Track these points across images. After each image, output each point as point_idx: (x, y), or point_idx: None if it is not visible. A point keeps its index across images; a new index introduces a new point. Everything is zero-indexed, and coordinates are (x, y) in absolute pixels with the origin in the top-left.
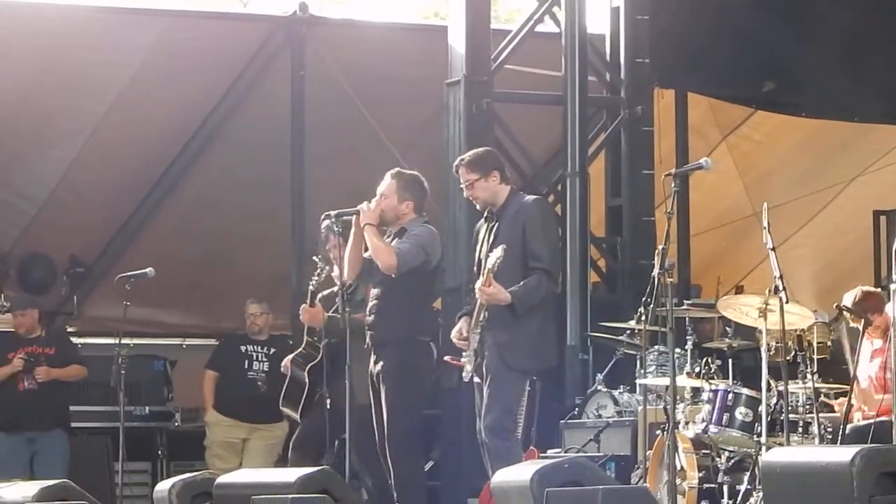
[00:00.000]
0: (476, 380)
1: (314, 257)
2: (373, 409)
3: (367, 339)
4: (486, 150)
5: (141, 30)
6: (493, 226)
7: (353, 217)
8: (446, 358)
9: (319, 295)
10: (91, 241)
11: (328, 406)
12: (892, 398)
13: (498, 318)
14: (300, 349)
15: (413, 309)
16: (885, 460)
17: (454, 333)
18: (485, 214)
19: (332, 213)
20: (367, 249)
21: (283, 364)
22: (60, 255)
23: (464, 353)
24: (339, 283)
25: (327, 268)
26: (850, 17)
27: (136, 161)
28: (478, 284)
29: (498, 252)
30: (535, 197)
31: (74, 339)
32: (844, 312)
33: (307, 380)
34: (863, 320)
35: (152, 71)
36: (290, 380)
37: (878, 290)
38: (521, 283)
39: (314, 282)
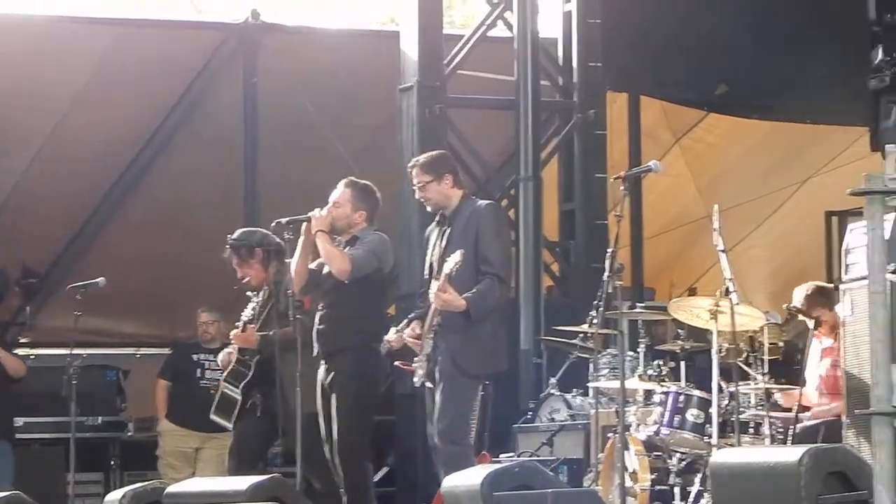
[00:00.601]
0: (428, 385)
1: (248, 293)
2: (321, 417)
3: (317, 348)
4: (441, 152)
5: (94, 38)
6: (445, 230)
7: (304, 225)
8: (397, 363)
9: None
10: (44, 251)
11: (258, 413)
12: (843, 402)
13: (451, 322)
14: (231, 366)
15: (366, 317)
16: (833, 460)
17: (407, 332)
18: (436, 218)
19: (284, 219)
20: (313, 260)
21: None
22: (13, 265)
23: (416, 358)
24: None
25: (259, 300)
26: (802, 20)
27: (88, 170)
28: (433, 289)
29: (457, 257)
30: (487, 202)
31: (28, 351)
32: (795, 313)
33: (239, 396)
34: (813, 320)
35: (105, 79)
36: (221, 395)
37: (830, 285)
38: (475, 288)
39: (246, 315)
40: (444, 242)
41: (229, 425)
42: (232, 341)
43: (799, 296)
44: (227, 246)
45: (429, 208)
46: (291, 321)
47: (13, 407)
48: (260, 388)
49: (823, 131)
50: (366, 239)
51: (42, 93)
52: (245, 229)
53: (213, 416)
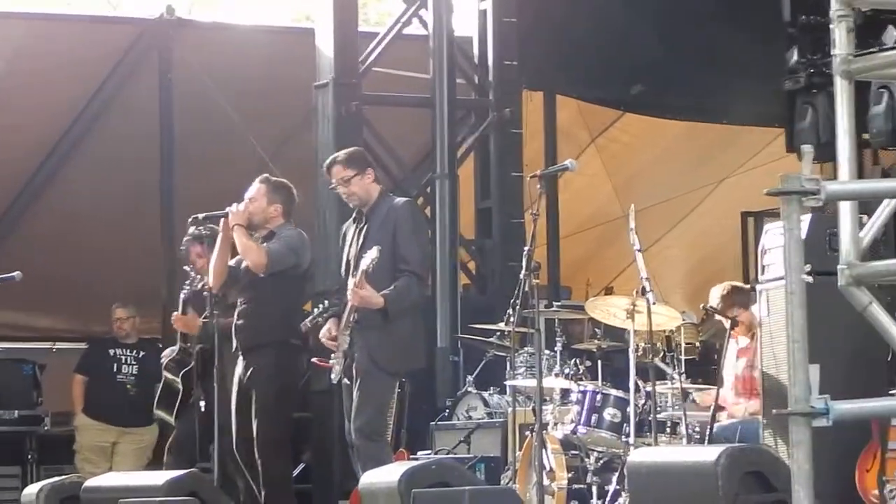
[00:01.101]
0: (345, 381)
1: (185, 266)
2: (233, 412)
3: (235, 343)
4: (358, 149)
5: (8, 32)
6: (363, 227)
7: (221, 223)
8: (314, 359)
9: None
10: None
11: (202, 409)
12: (759, 402)
13: (368, 319)
14: (173, 355)
15: (284, 312)
16: (750, 459)
17: (323, 333)
18: (353, 215)
19: (200, 215)
20: (233, 257)
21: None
22: None
23: (333, 355)
24: (208, 289)
25: (198, 276)
26: (718, 21)
27: (3, 165)
28: (350, 285)
29: (373, 253)
30: (405, 199)
31: None
32: (712, 313)
33: (180, 385)
34: (729, 320)
35: (18, 75)
36: (164, 385)
37: (747, 286)
38: (392, 286)
39: (186, 291)
40: (361, 239)
41: (171, 419)
42: (174, 324)
43: (715, 295)
44: (191, 237)
45: (352, 204)
46: (209, 315)
47: None
48: (202, 382)
49: (739, 132)
50: (283, 234)
51: None
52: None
53: (156, 412)
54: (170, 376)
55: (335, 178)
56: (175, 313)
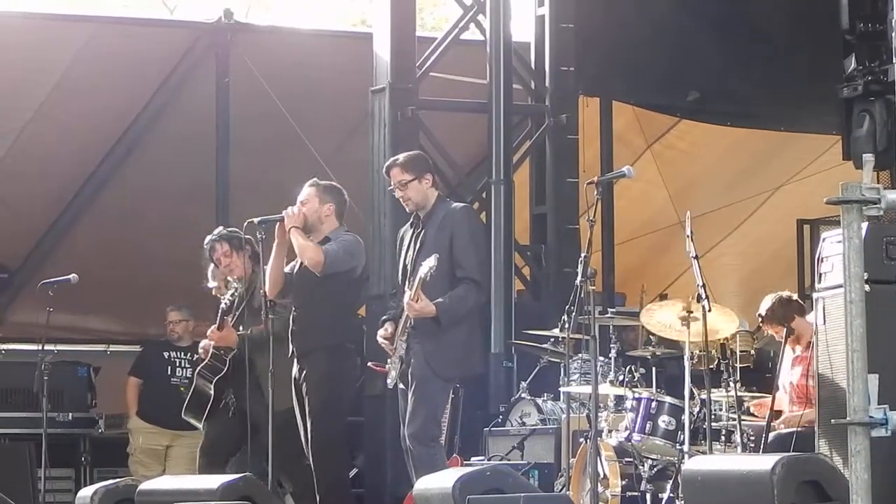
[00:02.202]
0: (401, 386)
1: (228, 278)
2: (298, 416)
3: (291, 348)
4: (418, 152)
5: (65, 36)
6: (420, 232)
7: (278, 225)
8: (370, 364)
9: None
10: (15, 247)
11: (231, 413)
12: (815, 409)
13: (424, 325)
14: (206, 361)
15: (340, 316)
16: (807, 469)
17: (380, 333)
18: (410, 220)
19: (256, 219)
20: (288, 263)
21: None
22: None
23: (389, 360)
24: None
25: (239, 286)
26: (775, 28)
27: (60, 167)
28: (406, 298)
29: (431, 261)
30: (462, 205)
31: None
32: (766, 322)
33: (212, 391)
34: (784, 328)
35: (77, 77)
36: (195, 390)
37: (796, 297)
38: (448, 294)
39: (225, 303)
40: (417, 245)
41: (199, 424)
42: (209, 339)
43: (768, 304)
44: (218, 236)
45: (408, 208)
46: (264, 318)
47: None
48: (233, 386)
49: (795, 139)
50: (339, 238)
51: (14, 89)
52: (232, 228)
53: (184, 416)
54: (202, 382)
55: (393, 181)
56: (212, 328)
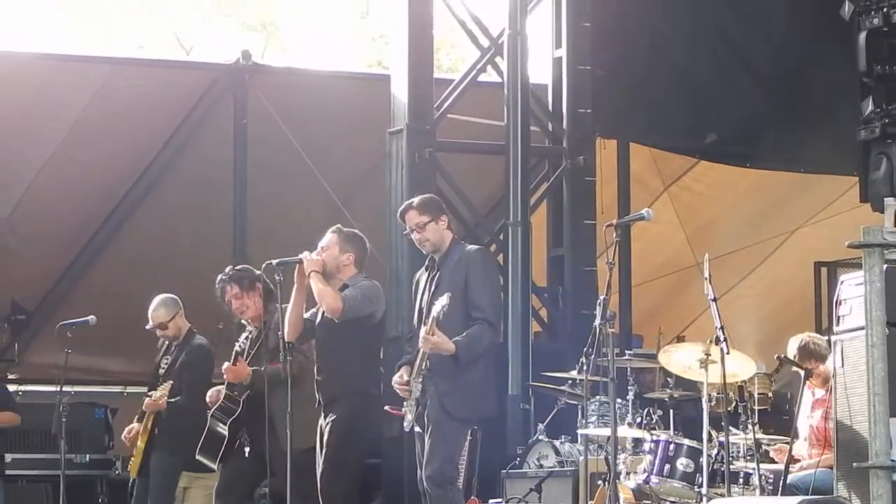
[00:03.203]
0: (417, 429)
1: (242, 321)
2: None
3: (318, 397)
4: (432, 195)
5: (84, 76)
6: (435, 274)
7: (296, 269)
8: (386, 407)
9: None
10: (32, 288)
11: (246, 454)
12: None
13: (440, 367)
14: (219, 402)
15: (363, 363)
16: None
17: (395, 378)
18: (426, 263)
19: (274, 261)
20: (307, 310)
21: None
22: (1, 301)
23: (405, 403)
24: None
25: (248, 335)
26: (792, 71)
27: (78, 208)
28: (422, 333)
29: (444, 300)
30: (476, 246)
31: (15, 387)
32: (787, 363)
33: (226, 432)
34: (804, 370)
35: (94, 118)
36: (208, 431)
37: (824, 337)
38: (465, 333)
39: (240, 344)
40: (433, 287)
41: (214, 465)
42: (224, 375)
43: (792, 346)
44: (227, 276)
45: (426, 251)
46: (282, 360)
47: (3, 443)
48: (248, 426)
49: (813, 181)
50: (358, 285)
51: (33, 130)
52: (244, 266)
53: (197, 457)
54: (215, 423)
55: (409, 224)
56: (225, 364)
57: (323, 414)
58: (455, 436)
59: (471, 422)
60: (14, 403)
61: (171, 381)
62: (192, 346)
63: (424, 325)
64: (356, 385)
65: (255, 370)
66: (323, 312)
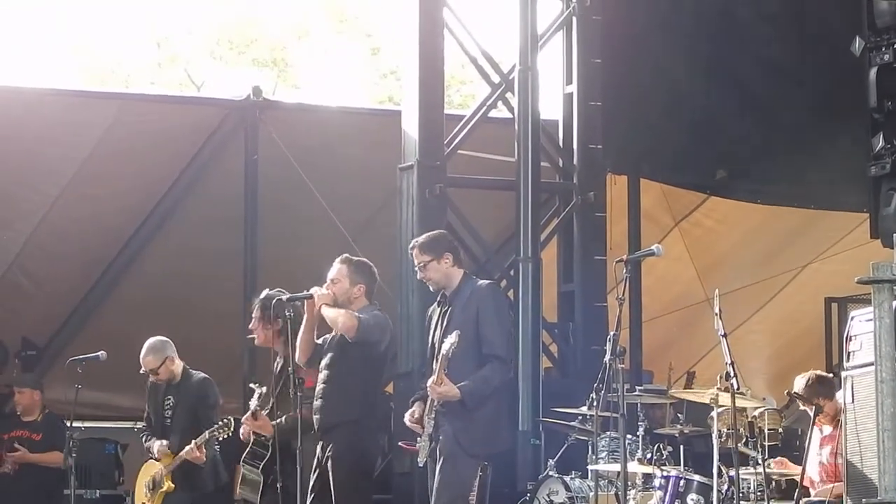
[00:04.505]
0: (430, 464)
1: (251, 384)
2: (310, 492)
3: (315, 424)
4: (440, 232)
5: (96, 112)
6: (446, 310)
7: (307, 303)
8: (401, 443)
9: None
10: (43, 323)
11: (279, 489)
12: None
13: (452, 403)
14: (249, 448)
15: (363, 393)
16: None
17: (407, 416)
18: (438, 299)
19: (284, 297)
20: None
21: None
22: (12, 337)
23: (419, 438)
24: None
25: (263, 390)
26: (802, 106)
27: (88, 243)
28: (430, 382)
29: (453, 338)
30: (487, 282)
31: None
32: (796, 399)
33: (260, 476)
34: (813, 407)
35: (106, 154)
36: (243, 478)
37: (831, 375)
38: (472, 376)
39: (255, 403)
40: (444, 323)
41: (256, 500)
42: (243, 429)
43: (800, 384)
44: (261, 299)
45: (431, 288)
46: (293, 398)
47: (52, 481)
48: (281, 465)
49: (823, 217)
50: (370, 313)
51: (44, 166)
52: (278, 290)
53: (239, 491)
54: (248, 468)
55: (415, 262)
56: (246, 415)
57: (320, 441)
58: (466, 471)
59: (481, 457)
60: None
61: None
62: (196, 382)
63: (436, 361)
64: (354, 415)
65: (275, 424)
66: (333, 340)
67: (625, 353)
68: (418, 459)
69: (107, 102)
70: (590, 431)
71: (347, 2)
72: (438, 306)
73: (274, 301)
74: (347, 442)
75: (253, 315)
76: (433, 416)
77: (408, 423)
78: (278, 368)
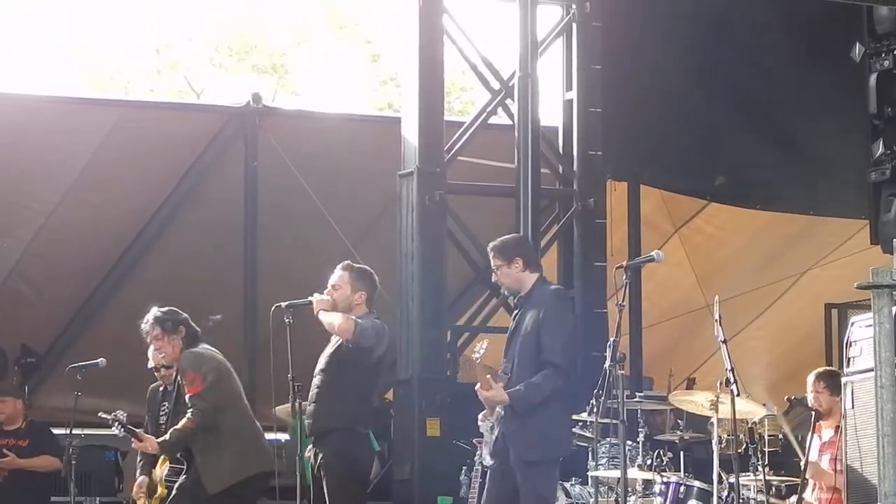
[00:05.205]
0: (489, 462)
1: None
2: (311, 497)
3: (307, 429)
4: (513, 236)
5: (95, 119)
6: (518, 314)
7: (308, 307)
8: (476, 440)
9: None
10: (43, 330)
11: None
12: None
13: (509, 408)
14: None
15: (354, 400)
16: None
17: (480, 416)
18: (515, 302)
19: (283, 303)
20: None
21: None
22: (11, 344)
23: (484, 439)
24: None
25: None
26: (802, 112)
27: (88, 250)
28: (477, 387)
29: (483, 345)
30: (554, 287)
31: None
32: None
33: None
34: (814, 413)
35: (105, 161)
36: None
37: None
38: (526, 381)
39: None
40: (514, 327)
41: None
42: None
43: (811, 378)
44: (153, 317)
45: (504, 292)
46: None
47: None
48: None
49: (823, 223)
50: (367, 320)
51: (44, 172)
52: (171, 308)
53: None
54: (168, 485)
55: (491, 264)
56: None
57: (313, 447)
58: (539, 479)
59: (543, 463)
60: (57, 448)
61: None
62: None
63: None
64: (345, 421)
65: (161, 441)
66: (330, 349)
67: (625, 359)
68: (483, 461)
69: (106, 109)
70: (590, 438)
71: (347, 8)
72: (515, 309)
73: (274, 308)
74: (339, 448)
75: (151, 337)
76: (495, 418)
77: (480, 423)
78: (174, 385)
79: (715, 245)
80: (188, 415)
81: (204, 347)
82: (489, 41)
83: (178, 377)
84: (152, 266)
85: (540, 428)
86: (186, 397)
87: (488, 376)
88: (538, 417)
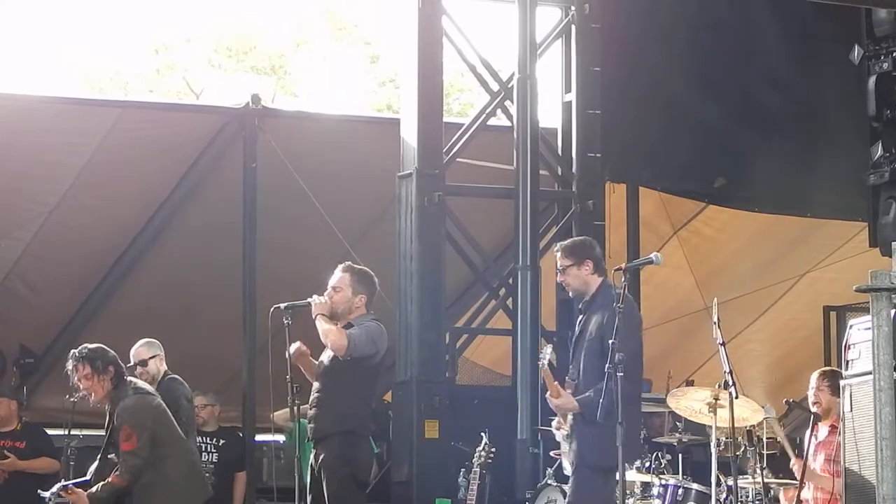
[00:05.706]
0: (570, 472)
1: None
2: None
3: (309, 432)
4: (585, 238)
5: (92, 121)
6: (582, 318)
7: (307, 308)
8: (552, 452)
9: None
10: (41, 331)
11: None
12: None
13: (579, 415)
14: None
15: (355, 403)
16: None
17: (554, 424)
18: (579, 305)
19: (282, 304)
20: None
21: None
22: (10, 345)
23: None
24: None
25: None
26: (801, 115)
27: (86, 251)
28: (547, 395)
29: (548, 350)
30: (619, 291)
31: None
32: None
33: None
34: (812, 415)
35: (104, 162)
36: None
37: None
38: (595, 387)
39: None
40: (578, 330)
41: None
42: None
43: (815, 375)
44: (81, 355)
45: (569, 293)
46: (289, 407)
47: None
48: None
49: (822, 225)
50: (363, 324)
51: (42, 174)
52: (99, 345)
53: None
54: None
55: (557, 264)
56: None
57: (315, 450)
58: (588, 483)
59: (605, 470)
60: (54, 450)
61: None
62: (165, 383)
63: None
64: (346, 424)
65: (90, 494)
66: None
67: (623, 361)
68: (564, 470)
69: (105, 110)
70: None
71: (346, 10)
72: (579, 313)
73: (272, 309)
74: (338, 451)
75: (80, 375)
76: (569, 423)
77: (555, 431)
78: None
79: (714, 247)
80: (119, 471)
81: (136, 393)
82: (488, 43)
83: (112, 418)
84: (151, 267)
85: (608, 435)
86: (121, 451)
87: (555, 383)
88: (606, 425)
